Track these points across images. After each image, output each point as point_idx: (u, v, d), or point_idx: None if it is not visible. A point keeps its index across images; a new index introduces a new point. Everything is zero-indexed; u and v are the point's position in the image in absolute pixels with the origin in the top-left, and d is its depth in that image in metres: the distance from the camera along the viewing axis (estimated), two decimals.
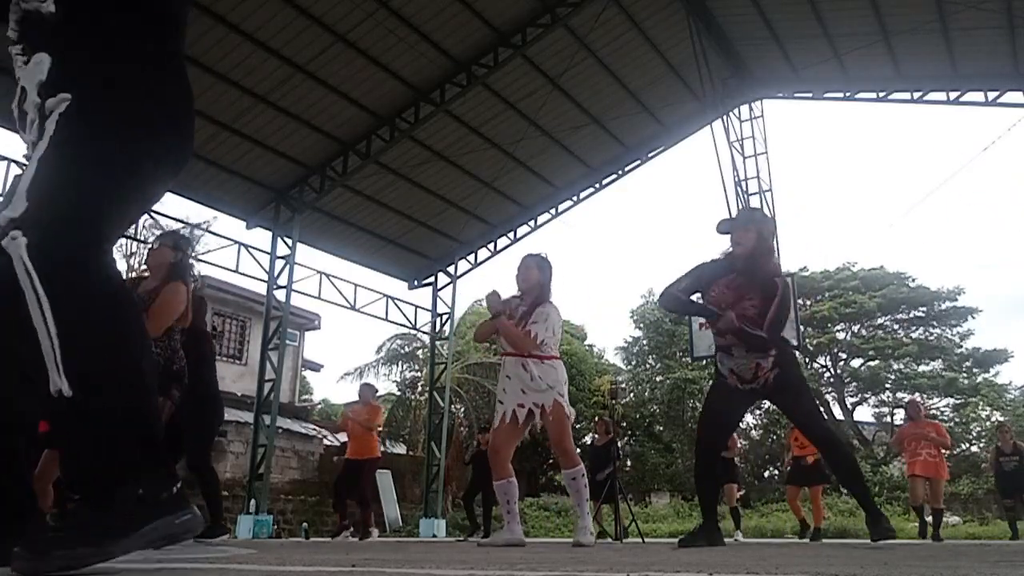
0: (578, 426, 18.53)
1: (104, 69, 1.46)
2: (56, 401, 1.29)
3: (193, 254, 4.42)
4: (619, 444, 10.78)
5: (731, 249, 3.95)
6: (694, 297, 4.03)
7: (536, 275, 4.45)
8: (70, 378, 1.28)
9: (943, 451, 8.82)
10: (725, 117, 13.68)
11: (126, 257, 13.56)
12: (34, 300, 1.29)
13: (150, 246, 4.15)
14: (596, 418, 10.57)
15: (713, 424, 4.06)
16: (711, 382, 4.26)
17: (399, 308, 15.12)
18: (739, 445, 11.25)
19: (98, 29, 1.47)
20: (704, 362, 20.50)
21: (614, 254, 66.58)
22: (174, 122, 1.54)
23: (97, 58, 1.46)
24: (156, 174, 1.52)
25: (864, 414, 24.39)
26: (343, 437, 9.46)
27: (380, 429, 8.93)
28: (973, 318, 22.83)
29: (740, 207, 13.41)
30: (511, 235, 15.13)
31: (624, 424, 23.45)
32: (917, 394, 20.55)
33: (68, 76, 1.42)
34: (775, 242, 4.21)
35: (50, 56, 1.43)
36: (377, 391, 9.61)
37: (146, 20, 1.51)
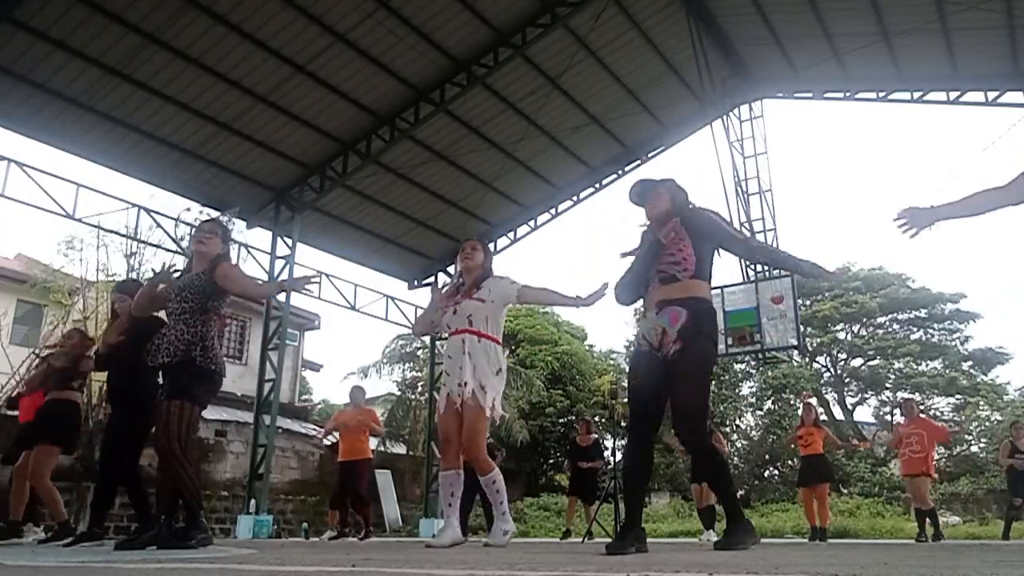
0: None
1: None
2: None
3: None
4: (602, 443, 10.86)
5: (647, 216, 3.63)
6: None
7: (481, 257, 4.37)
8: None
9: (935, 447, 8.76)
10: (725, 117, 13.68)
11: (127, 257, 13.51)
12: None
13: (199, 232, 4.10)
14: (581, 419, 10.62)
15: (632, 390, 3.45)
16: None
17: (399, 308, 15.12)
18: (727, 446, 11.25)
19: None
20: None
21: (614, 254, 66.47)
22: None
23: None
24: None
25: (864, 414, 24.39)
26: (332, 437, 9.44)
27: (377, 428, 8.91)
28: (974, 322, 22.86)
29: (738, 208, 13.43)
30: (511, 235, 15.13)
31: (624, 424, 23.41)
32: (917, 394, 20.57)
33: None
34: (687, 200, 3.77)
35: None
36: (366, 393, 9.62)
37: None
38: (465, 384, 3.98)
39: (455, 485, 4.07)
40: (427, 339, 16.23)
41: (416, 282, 15.33)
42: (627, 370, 3.69)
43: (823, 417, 20.65)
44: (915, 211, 2.99)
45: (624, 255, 3.63)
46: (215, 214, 11.44)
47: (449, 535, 4.00)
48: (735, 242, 3.60)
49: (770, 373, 21.10)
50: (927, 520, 8.53)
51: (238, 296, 4.19)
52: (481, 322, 4.10)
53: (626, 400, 3.65)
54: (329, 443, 9.34)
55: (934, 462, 8.84)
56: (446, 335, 4.25)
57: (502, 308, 4.22)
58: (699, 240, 3.42)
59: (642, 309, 3.49)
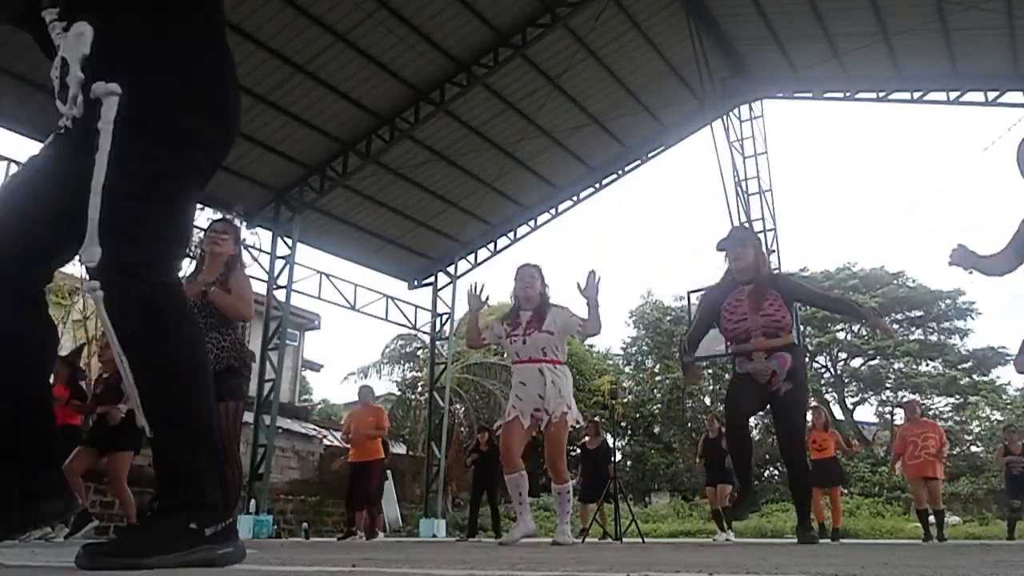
0: (578, 426, 18.46)
1: (156, 46, 1.36)
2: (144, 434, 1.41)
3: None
4: (611, 445, 10.84)
5: (729, 266, 4.33)
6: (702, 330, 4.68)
7: (539, 286, 4.78)
8: (150, 422, 1.38)
9: (943, 450, 8.82)
10: (725, 117, 13.68)
11: None
12: (116, 348, 1.36)
13: (212, 233, 4.14)
14: (587, 420, 10.59)
15: (732, 409, 4.41)
16: (729, 380, 4.79)
17: (399, 308, 15.12)
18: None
19: None
20: (704, 363, 20.53)
21: (614, 254, 66.53)
22: (224, 123, 1.50)
23: (147, 31, 1.36)
24: (201, 181, 1.50)
25: (864, 414, 24.41)
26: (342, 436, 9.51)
27: (378, 430, 8.92)
28: (972, 318, 22.86)
29: (738, 208, 13.43)
30: (511, 235, 15.14)
31: (624, 424, 23.42)
32: (917, 394, 20.58)
33: (115, 54, 1.33)
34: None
35: (92, 27, 1.34)
36: (374, 391, 9.68)
37: None
38: (553, 409, 4.50)
39: (521, 485, 4.54)
40: (427, 339, 16.24)
41: (416, 282, 15.33)
42: (728, 390, 4.63)
43: None
44: (965, 252, 3.56)
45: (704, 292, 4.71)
46: (218, 215, 11.44)
47: (521, 529, 4.44)
48: (821, 300, 4.88)
49: None
50: (933, 520, 8.56)
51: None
52: (553, 352, 4.62)
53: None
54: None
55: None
56: (513, 362, 4.75)
57: (565, 337, 4.77)
58: (789, 301, 4.29)
59: (742, 353, 4.28)
